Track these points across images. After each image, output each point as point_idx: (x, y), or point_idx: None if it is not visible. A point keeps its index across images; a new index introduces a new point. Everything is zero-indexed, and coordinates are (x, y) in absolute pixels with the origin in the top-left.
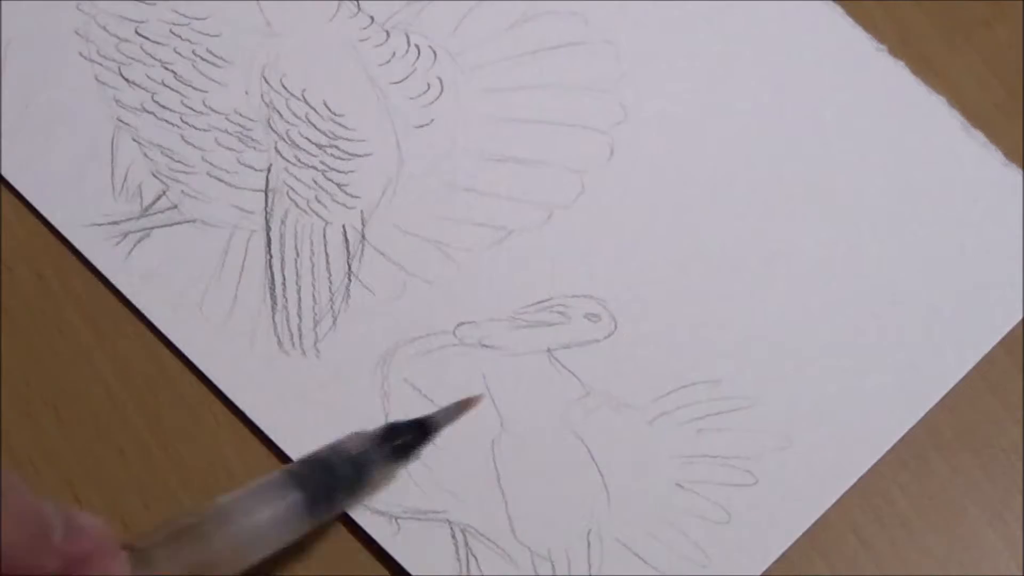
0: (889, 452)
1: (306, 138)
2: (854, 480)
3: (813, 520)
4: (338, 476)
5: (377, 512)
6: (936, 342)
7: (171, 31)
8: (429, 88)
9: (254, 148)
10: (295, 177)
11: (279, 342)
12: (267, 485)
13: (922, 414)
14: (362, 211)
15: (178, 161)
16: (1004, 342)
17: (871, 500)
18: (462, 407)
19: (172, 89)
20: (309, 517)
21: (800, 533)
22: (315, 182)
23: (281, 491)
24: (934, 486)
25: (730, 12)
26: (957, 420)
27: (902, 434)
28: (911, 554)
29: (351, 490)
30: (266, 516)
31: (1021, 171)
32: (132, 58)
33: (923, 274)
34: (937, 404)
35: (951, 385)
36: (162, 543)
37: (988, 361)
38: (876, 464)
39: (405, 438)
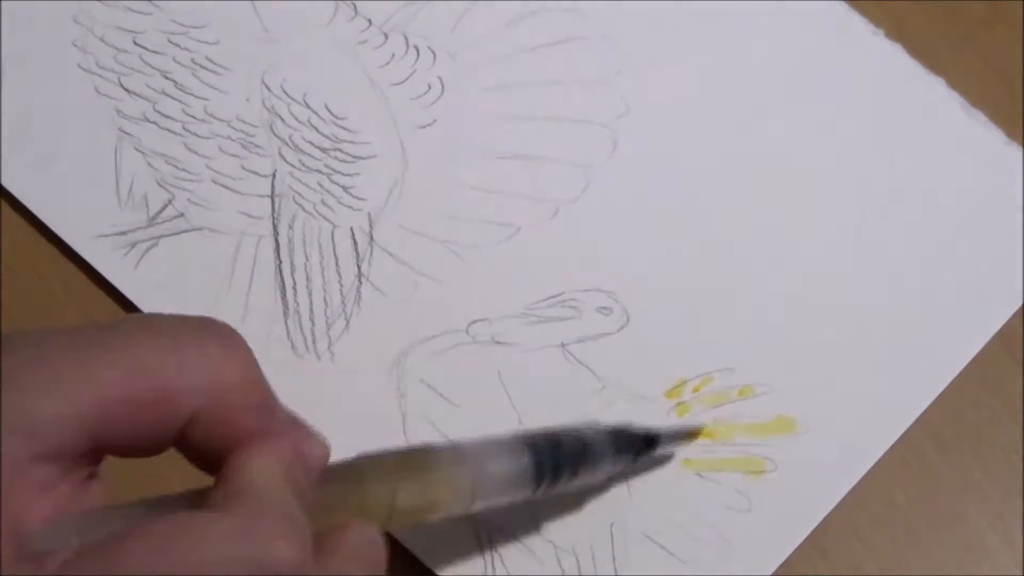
0: (889, 452)
1: (309, 142)
2: (876, 458)
3: (835, 503)
4: (566, 453)
5: None
6: (950, 317)
7: (169, 40)
8: (430, 88)
9: (258, 154)
10: (300, 181)
11: (293, 347)
12: (504, 442)
13: (943, 387)
14: (369, 213)
15: (182, 169)
16: (1004, 342)
17: (871, 500)
18: (689, 434)
19: (173, 98)
20: (532, 484)
21: (822, 517)
22: (321, 186)
23: (516, 450)
24: (934, 486)
25: (726, 1)
26: (957, 420)
27: (923, 409)
28: (911, 554)
29: (575, 470)
30: (500, 468)
31: (1022, 149)
32: (131, 68)
33: (930, 253)
34: (937, 404)
35: (976, 349)
36: (393, 461)
37: (988, 361)
38: (876, 464)
39: (634, 439)
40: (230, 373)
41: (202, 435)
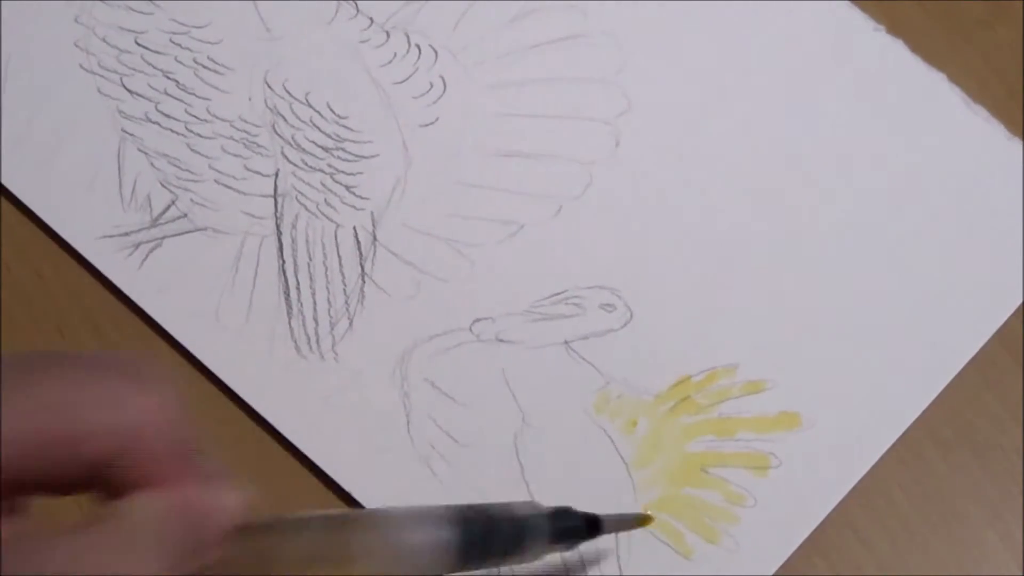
0: (889, 452)
1: (312, 142)
2: (877, 457)
3: (839, 499)
4: (498, 532)
5: None
6: (950, 315)
7: (171, 40)
8: (432, 87)
9: (260, 154)
10: (303, 181)
11: (296, 347)
12: (427, 512)
13: (943, 386)
14: (372, 212)
15: (185, 170)
16: (1004, 341)
17: (871, 500)
18: (636, 522)
19: (175, 98)
20: (457, 560)
21: (827, 513)
22: (323, 185)
23: (438, 523)
24: (934, 486)
25: None
26: (957, 419)
27: (923, 408)
28: (911, 554)
29: (505, 551)
30: (416, 540)
31: (1023, 146)
32: (133, 69)
33: (930, 250)
34: (937, 403)
35: (976, 348)
36: (311, 523)
37: (988, 359)
38: (876, 464)
39: (574, 524)
40: (146, 415)
41: (117, 480)
